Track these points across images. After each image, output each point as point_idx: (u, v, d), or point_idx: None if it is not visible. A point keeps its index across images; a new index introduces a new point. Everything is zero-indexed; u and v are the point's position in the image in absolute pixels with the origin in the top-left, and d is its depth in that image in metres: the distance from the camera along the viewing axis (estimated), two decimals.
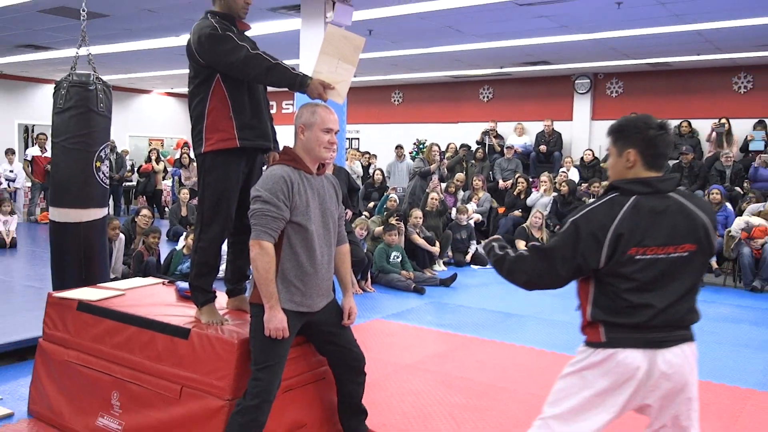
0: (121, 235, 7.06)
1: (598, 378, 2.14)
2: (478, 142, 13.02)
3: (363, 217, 8.62)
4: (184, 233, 7.70)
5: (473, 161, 12.29)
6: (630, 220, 2.07)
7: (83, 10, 5.02)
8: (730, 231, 8.11)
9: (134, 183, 14.71)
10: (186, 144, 14.52)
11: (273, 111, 3.52)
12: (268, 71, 3.02)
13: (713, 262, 8.09)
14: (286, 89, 3.18)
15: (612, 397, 2.13)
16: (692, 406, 2.19)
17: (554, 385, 2.27)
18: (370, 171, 12.39)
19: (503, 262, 2.32)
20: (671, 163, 10.47)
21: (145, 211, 7.67)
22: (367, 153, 14.22)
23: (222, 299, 3.47)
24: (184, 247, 7.17)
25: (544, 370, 4.68)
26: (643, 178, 2.15)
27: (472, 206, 10.35)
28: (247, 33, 3.26)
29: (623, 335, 2.11)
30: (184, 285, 3.66)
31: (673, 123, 11.56)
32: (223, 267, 3.51)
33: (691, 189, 9.62)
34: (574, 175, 11.08)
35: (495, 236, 2.45)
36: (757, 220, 7.99)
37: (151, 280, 4.28)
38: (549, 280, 2.18)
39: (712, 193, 8.62)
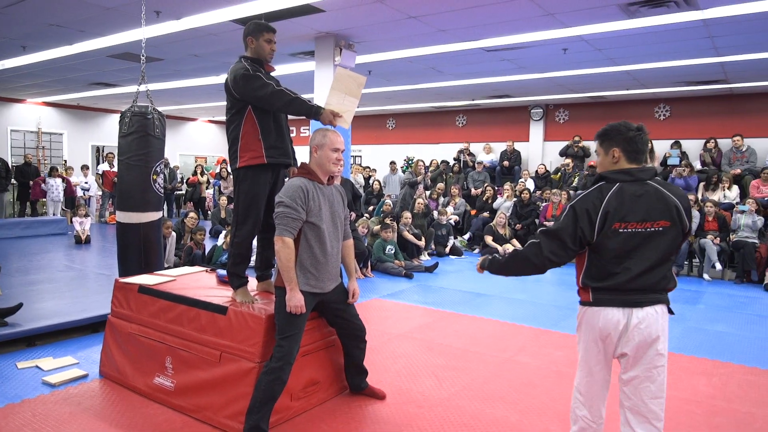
0: (173, 233, 7.03)
1: (589, 330, 2.18)
2: (454, 159, 13.01)
3: (364, 217, 8.61)
4: (224, 232, 7.67)
5: (451, 173, 12.29)
6: (615, 201, 2.10)
7: (143, 56, 5.02)
8: None
9: (183, 192, 14.66)
10: (224, 161, 14.47)
11: (293, 134, 3.51)
12: (289, 103, 3.03)
13: None
14: (304, 117, 3.18)
15: (600, 345, 2.17)
16: (661, 362, 2.19)
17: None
18: (370, 182, 12.37)
19: (513, 259, 2.29)
20: None
21: (192, 214, 7.65)
22: (368, 167, 14.19)
23: (253, 283, 3.47)
24: (223, 243, 7.16)
25: (506, 337, 4.69)
26: (625, 168, 2.17)
27: (450, 209, 10.35)
28: (272, 74, 3.27)
29: (607, 296, 2.14)
30: (223, 272, 3.66)
31: None
32: (253, 258, 3.51)
33: None
34: (530, 184, 11.08)
35: (484, 257, 2.42)
36: None
37: (196, 268, 4.27)
38: (562, 253, 2.15)
39: None
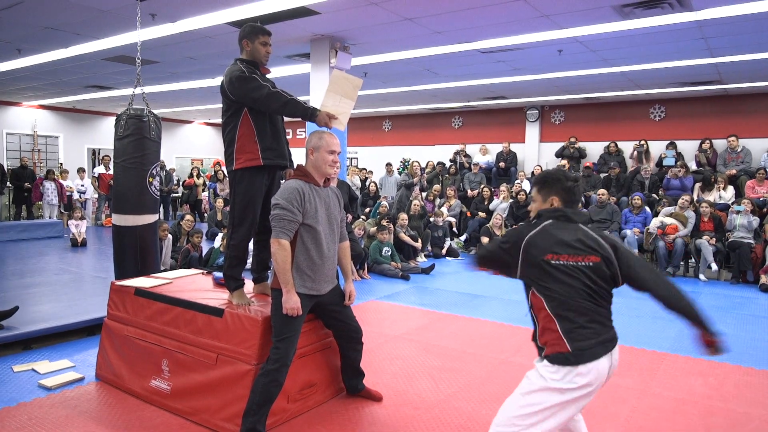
0: (169, 236, 7.02)
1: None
2: (450, 160, 13.02)
3: (361, 219, 8.61)
4: (221, 234, 7.66)
5: (447, 175, 12.29)
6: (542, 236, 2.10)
7: (138, 58, 5.02)
8: (648, 229, 8.15)
9: (179, 194, 14.64)
10: (218, 163, 14.46)
11: (289, 137, 3.52)
12: (285, 105, 3.03)
13: (635, 251, 8.10)
14: (300, 119, 3.18)
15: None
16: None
17: None
18: (367, 183, 12.36)
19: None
20: (602, 175, 10.53)
21: (188, 217, 7.64)
22: (364, 169, 14.19)
23: (249, 286, 3.47)
24: (220, 245, 7.16)
25: (503, 338, 4.70)
26: (560, 208, 2.17)
27: (444, 210, 10.36)
28: (267, 76, 3.28)
29: None
30: (219, 274, 3.66)
31: (603, 144, 11.64)
32: (250, 260, 3.51)
33: (618, 196, 9.67)
34: (526, 185, 11.10)
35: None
36: (669, 220, 8.04)
37: (193, 271, 4.26)
38: None
39: (634, 199, 8.66)
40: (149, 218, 4.63)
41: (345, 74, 3.22)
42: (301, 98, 3.18)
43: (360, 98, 12.62)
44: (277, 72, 8.67)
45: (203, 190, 14.26)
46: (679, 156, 10.31)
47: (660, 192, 9.58)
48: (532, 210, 2.30)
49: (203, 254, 7.26)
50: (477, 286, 6.83)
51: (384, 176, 12.49)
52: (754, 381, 3.84)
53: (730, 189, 8.97)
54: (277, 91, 3.03)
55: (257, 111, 3.12)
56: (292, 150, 3.46)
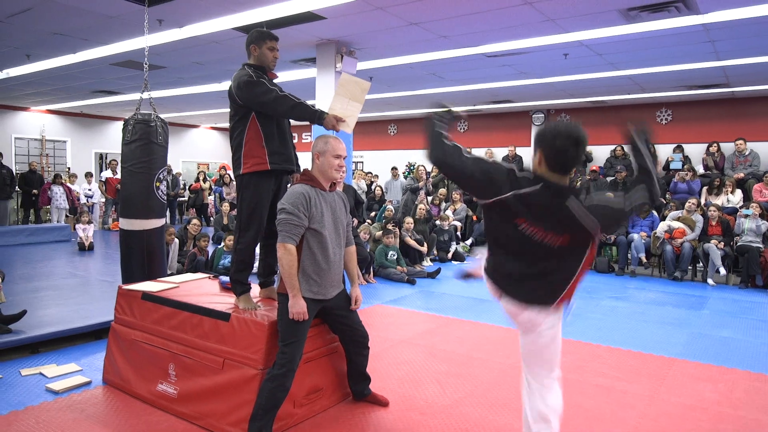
0: (176, 240, 7.04)
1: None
2: None
3: (366, 223, 8.62)
4: (225, 234, 7.66)
5: None
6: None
7: (145, 63, 5.05)
8: (656, 233, 8.10)
9: (186, 198, 14.70)
10: (224, 167, 14.53)
11: (295, 140, 3.52)
12: (293, 108, 3.03)
13: (642, 256, 8.08)
14: (308, 122, 3.19)
15: None
16: None
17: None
18: (372, 187, 12.37)
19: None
20: (609, 179, 10.48)
21: (195, 221, 7.66)
22: (370, 173, 14.20)
23: (256, 290, 3.47)
24: (224, 245, 7.17)
25: (510, 343, 4.67)
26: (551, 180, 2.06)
27: (449, 213, 10.34)
28: (275, 81, 3.29)
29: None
30: (226, 279, 3.66)
31: (610, 148, 11.59)
32: (256, 265, 3.51)
33: None
34: None
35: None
36: (676, 224, 8.00)
37: (199, 275, 4.27)
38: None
39: None
40: (156, 222, 4.64)
41: (353, 78, 3.22)
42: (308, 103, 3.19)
43: (365, 102, 12.65)
44: (283, 76, 8.70)
45: (209, 194, 14.31)
46: (686, 159, 10.26)
47: (667, 196, 9.53)
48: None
49: (209, 258, 7.27)
50: (483, 290, 6.77)
51: (390, 180, 12.49)
52: (764, 387, 3.80)
53: (738, 193, 8.91)
54: (285, 94, 3.04)
55: (265, 115, 3.12)
56: (298, 154, 3.47)
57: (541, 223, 2.06)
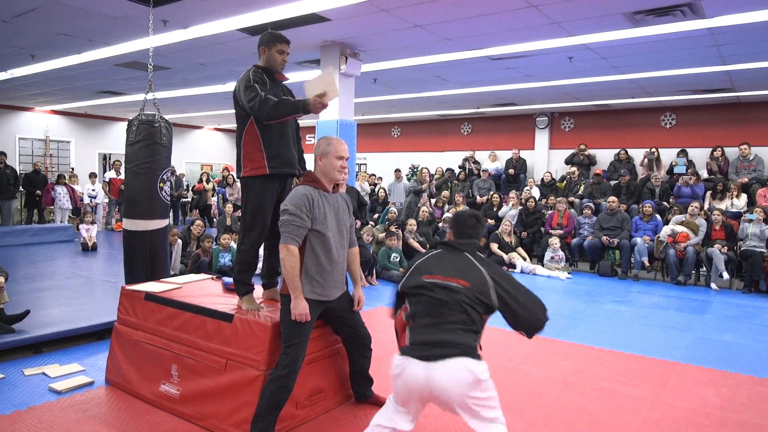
0: (179, 240, 7.05)
1: None
2: (459, 167, 13.02)
3: (369, 225, 8.62)
4: (225, 235, 7.66)
5: (456, 181, 12.28)
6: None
7: (150, 64, 5.07)
8: (659, 237, 8.09)
9: (189, 199, 14.73)
10: (227, 168, 14.56)
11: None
12: (275, 107, 3.00)
13: (645, 260, 8.07)
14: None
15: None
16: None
17: (488, 394, 2.34)
18: (375, 189, 12.38)
19: None
20: (612, 183, 10.46)
21: (198, 222, 7.67)
22: (373, 175, 14.22)
23: (259, 291, 3.48)
24: (219, 245, 7.19)
25: (512, 346, 4.67)
26: (449, 240, 2.57)
27: (450, 216, 10.32)
28: (285, 83, 3.34)
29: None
30: (229, 280, 3.67)
31: (613, 151, 11.58)
32: (260, 266, 3.52)
33: (628, 204, 9.60)
34: (535, 192, 11.07)
35: None
36: (680, 228, 7.98)
37: (202, 275, 4.28)
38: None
39: (645, 207, 8.60)
40: (159, 223, 4.66)
41: (320, 74, 3.14)
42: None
43: (369, 104, 12.66)
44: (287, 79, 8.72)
45: (212, 195, 14.34)
46: (690, 164, 10.24)
47: (671, 200, 9.51)
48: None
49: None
50: None
51: (393, 182, 12.51)
52: (767, 392, 3.79)
53: (744, 197, 8.89)
54: (266, 97, 2.99)
55: None
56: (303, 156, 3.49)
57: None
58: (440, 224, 9.63)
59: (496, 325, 5.30)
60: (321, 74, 3.10)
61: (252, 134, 3.14)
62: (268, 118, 3.07)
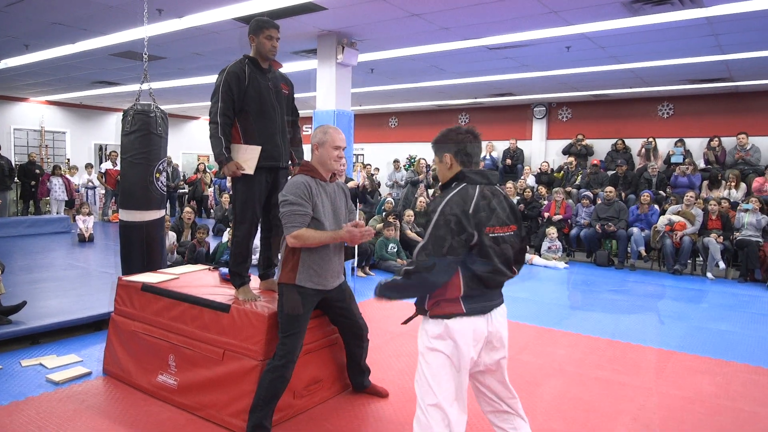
0: (171, 233, 7.02)
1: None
2: None
3: (373, 218, 8.61)
4: (228, 230, 7.68)
5: None
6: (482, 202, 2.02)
7: (145, 54, 5.02)
8: (656, 226, 8.11)
9: (186, 190, 14.69)
10: None
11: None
12: (211, 137, 3.15)
13: (642, 250, 8.09)
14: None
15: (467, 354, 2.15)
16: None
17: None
18: (374, 179, 12.36)
19: (402, 286, 2.10)
20: (609, 173, 10.47)
21: (187, 208, 7.64)
22: (369, 165, 14.20)
23: (255, 282, 3.48)
24: (227, 240, 7.18)
25: (508, 336, 4.68)
26: (483, 170, 2.12)
27: None
28: (280, 70, 3.33)
29: (477, 304, 2.06)
30: (225, 270, 3.66)
31: (611, 141, 11.57)
32: (256, 257, 3.52)
33: (625, 194, 9.62)
34: (531, 181, 11.07)
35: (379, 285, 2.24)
36: (677, 218, 8.00)
37: (199, 266, 4.27)
38: (452, 269, 2.01)
39: (643, 196, 8.62)
40: (156, 214, 4.64)
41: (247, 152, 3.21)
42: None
43: (366, 95, 12.58)
44: (283, 68, 8.68)
45: (209, 186, 14.30)
46: (687, 153, 10.24)
47: (668, 190, 9.53)
48: (438, 172, 2.21)
49: (210, 250, 7.27)
50: None
51: (392, 172, 12.49)
52: (762, 380, 3.82)
53: (743, 186, 8.90)
54: (215, 121, 3.11)
55: (245, 112, 3.13)
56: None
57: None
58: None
59: None
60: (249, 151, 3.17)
61: (235, 129, 3.17)
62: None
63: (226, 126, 3.11)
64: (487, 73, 9.58)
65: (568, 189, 10.20)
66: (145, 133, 4.50)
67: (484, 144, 13.29)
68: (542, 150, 13.06)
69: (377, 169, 13.96)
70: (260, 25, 3.21)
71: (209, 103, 3.21)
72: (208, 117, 3.16)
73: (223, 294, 3.29)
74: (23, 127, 14.26)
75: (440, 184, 2.23)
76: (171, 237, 6.96)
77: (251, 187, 3.18)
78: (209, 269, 4.09)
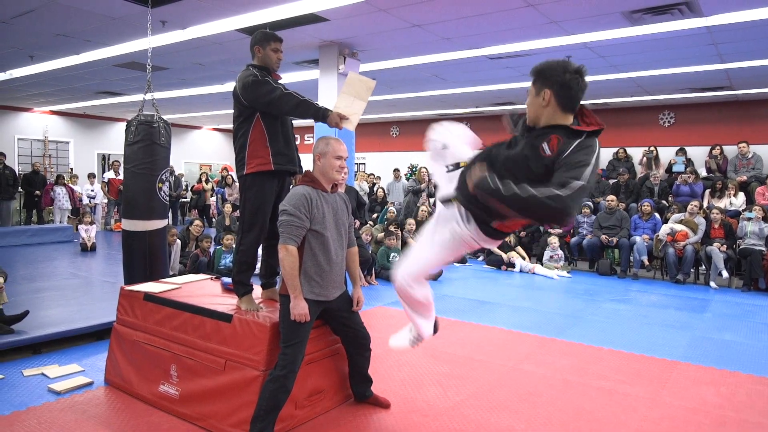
0: (178, 241, 7.04)
1: None
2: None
3: (368, 225, 8.62)
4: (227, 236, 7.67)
5: None
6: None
7: (149, 65, 5.06)
8: (658, 235, 8.09)
9: (188, 199, 14.72)
10: (226, 168, 14.53)
11: (297, 142, 3.54)
12: (297, 105, 3.06)
13: (644, 259, 8.06)
14: (312, 120, 3.20)
15: None
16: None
17: None
18: (374, 189, 12.38)
19: (532, 200, 1.88)
20: (611, 181, 10.46)
21: (197, 222, 7.67)
22: (372, 175, 14.20)
23: (258, 291, 3.47)
24: (222, 245, 7.18)
25: (511, 345, 4.67)
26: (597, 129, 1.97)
27: None
28: (279, 81, 3.32)
29: None
30: (228, 280, 3.67)
31: (612, 150, 11.57)
32: (258, 266, 3.52)
33: (627, 203, 9.60)
34: None
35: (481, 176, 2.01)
36: (679, 227, 7.98)
37: (201, 276, 4.27)
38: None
39: (644, 206, 8.60)
40: (158, 223, 4.65)
41: (360, 76, 3.23)
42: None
43: (368, 104, 12.64)
44: (285, 78, 8.66)
45: (211, 196, 14.34)
46: (688, 162, 10.24)
47: (669, 198, 9.51)
48: (528, 106, 2.01)
49: (211, 258, 7.27)
50: (485, 292, 6.80)
51: (392, 182, 12.50)
52: (766, 390, 3.78)
53: (741, 195, 8.89)
54: (289, 92, 3.08)
55: (269, 116, 3.14)
56: (300, 156, 3.48)
57: None
58: None
59: (494, 324, 5.32)
60: (361, 84, 3.13)
61: (259, 131, 3.15)
62: (284, 113, 3.13)
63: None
64: (489, 83, 9.61)
65: None
66: (148, 143, 4.53)
67: None
68: None
69: (379, 177, 13.98)
70: (268, 37, 3.24)
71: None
72: (274, 100, 3.03)
73: (225, 304, 3.29)
74: (27, 137, 14.33)
75: (527, 120, 2.03)
76: (177, 246, 6.96)
77: (263, 193, 3.18)
78: (212, 278, 4.10)
